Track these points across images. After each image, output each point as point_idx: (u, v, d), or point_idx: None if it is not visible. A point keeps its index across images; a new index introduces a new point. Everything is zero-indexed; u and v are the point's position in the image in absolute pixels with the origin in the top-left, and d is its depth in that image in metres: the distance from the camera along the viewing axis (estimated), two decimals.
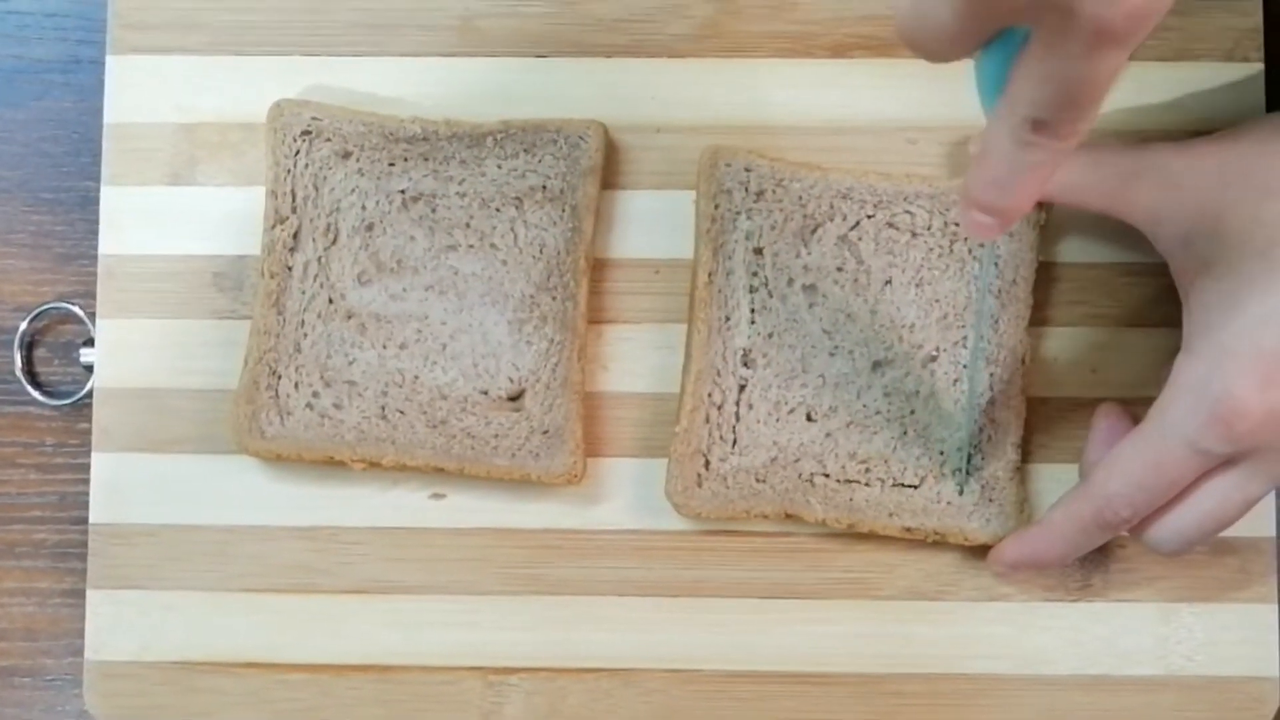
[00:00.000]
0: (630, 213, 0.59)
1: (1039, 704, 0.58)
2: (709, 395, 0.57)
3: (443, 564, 0.58)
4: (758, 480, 0.56)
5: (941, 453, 0.57)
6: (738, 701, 0.58)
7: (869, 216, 0.57)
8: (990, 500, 0.57)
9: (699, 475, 0.56)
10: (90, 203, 0.61)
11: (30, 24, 0.62)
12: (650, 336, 0.58)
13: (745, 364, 0.57)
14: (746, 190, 0.57)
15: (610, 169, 0.58)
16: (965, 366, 0.57)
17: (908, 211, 0.57)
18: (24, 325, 0.61)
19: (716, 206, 0.57)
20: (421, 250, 0.58)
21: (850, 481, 0.57)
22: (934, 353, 0.57)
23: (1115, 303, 0.58)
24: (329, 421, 0.57)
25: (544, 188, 0.58)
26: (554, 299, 0.57)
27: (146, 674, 0.58)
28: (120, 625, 0.58)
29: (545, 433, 0.57)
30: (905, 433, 0.57)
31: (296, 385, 0.57)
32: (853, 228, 0.57)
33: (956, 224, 0.57)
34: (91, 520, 0.58)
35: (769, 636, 0.58)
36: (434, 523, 0.58)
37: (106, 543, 0.58)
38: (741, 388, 0.57)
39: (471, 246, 0.58)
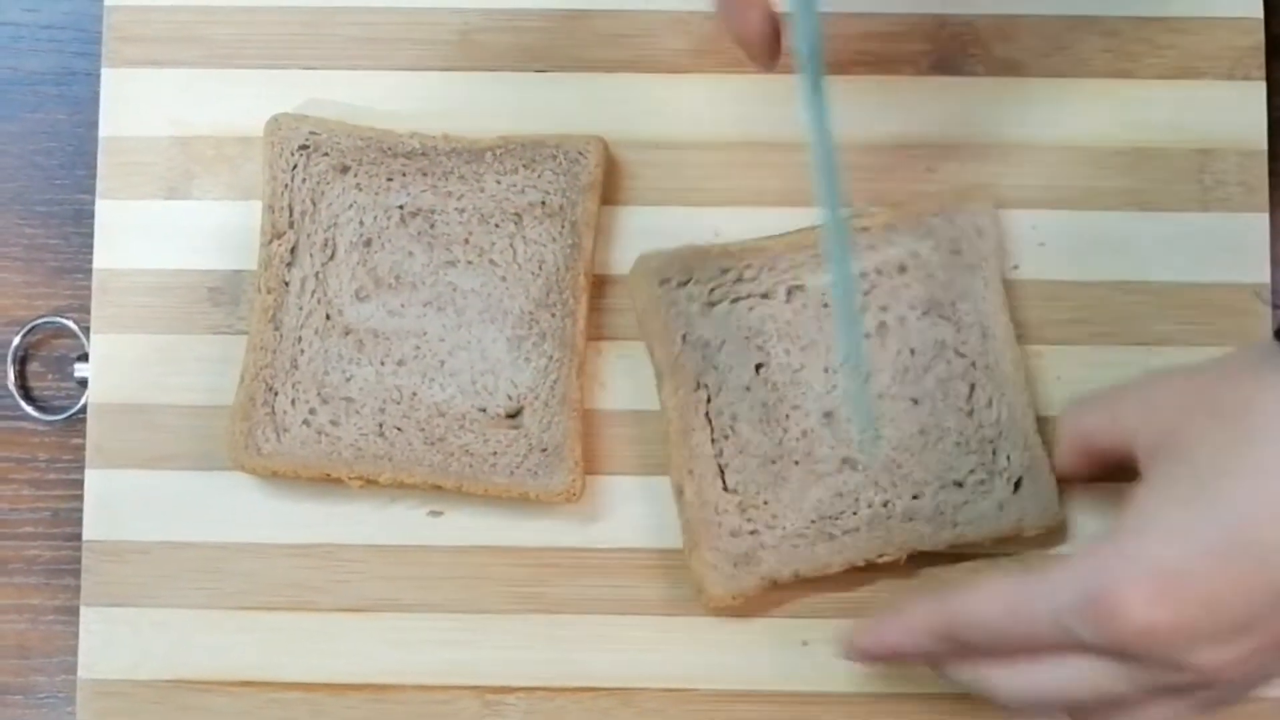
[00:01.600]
0: (630, 229, 0.59)
1: None
2: (699, 494, 0.56)
3: (440, 582, 0.57)
4: (767, 548, 0.56)
5: (950, 466, 0.57)
6: None
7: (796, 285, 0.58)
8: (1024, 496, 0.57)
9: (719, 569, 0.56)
10: (85, 216, 0.60)
11: (25, 36, 0.62)
12: (648, 355, 0.58)
13: (721, 465, 0.57)
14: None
15: (610, 185, 0.58)
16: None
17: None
18: (17, 340, 0.60)
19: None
20: (420, 266, 0.57)
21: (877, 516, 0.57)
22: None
23: (1116, 320, 0.58)
24: (326, 438, 0.57)
25: (543, 203, 0.57)
26: (553, 315, 0.57)
27: (140, 692, 0.57)
28: (114, 643, 0.57)
29: (544, 450, 0.56)
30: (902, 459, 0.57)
31: (293, 401, 0.57)
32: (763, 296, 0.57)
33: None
34: (85, 537, 0.58)
35: (769, 655, 0.57)
36: (431, 540, 0.58)
37: (100, 559, 0.58)
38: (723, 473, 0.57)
39: (470, 262, 0.57)
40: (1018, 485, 0.57)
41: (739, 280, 0.57)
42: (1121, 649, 0.46)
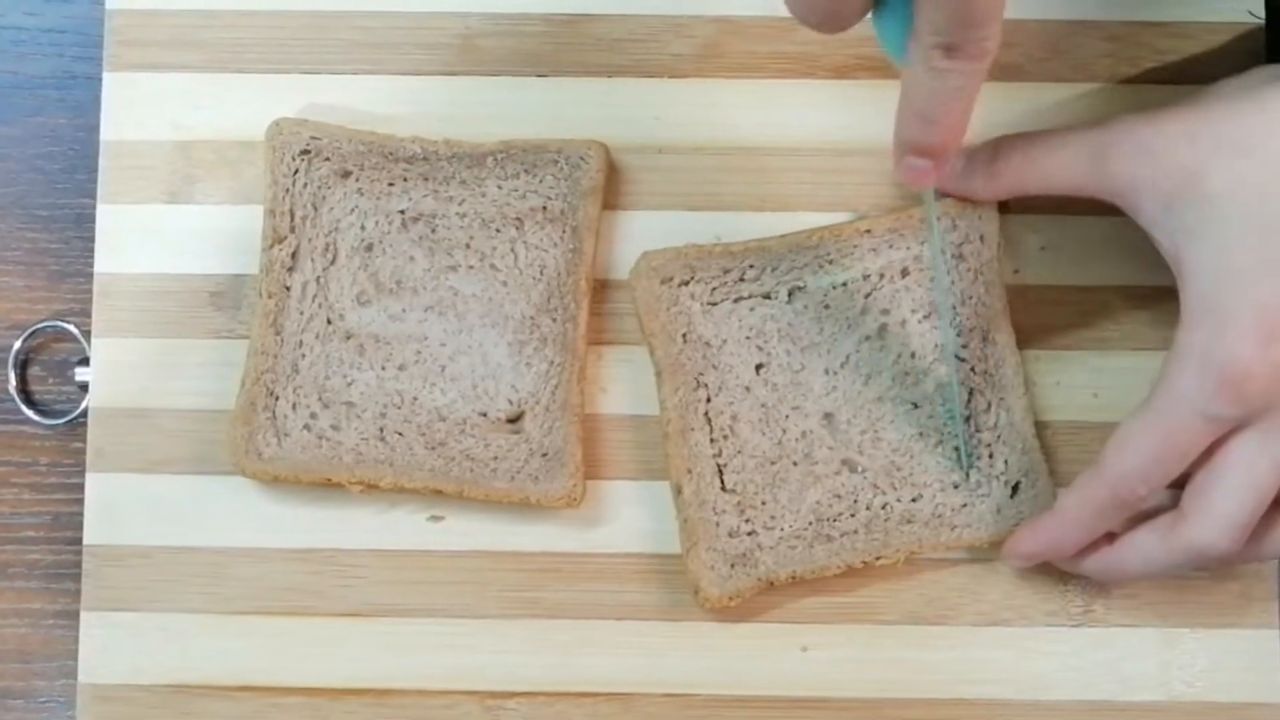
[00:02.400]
0: (631, 234, 0.58)
1: None
2: (697, 494, 0.56)
3: (441, 587, 0.57)
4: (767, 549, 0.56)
5: (938, 463, 0.57)
6: None
7: (799, 287, 0.58)
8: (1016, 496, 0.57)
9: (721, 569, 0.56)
10: (86, 220, 0.60)
11: (26, 40, 0.62)
12: (650, 360, 0.58)
13: (720, 467, 0.57)
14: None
15: (611, 190, 0.58)
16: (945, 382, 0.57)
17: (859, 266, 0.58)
18: (18, 344, 0.60)
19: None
20: (421, 271, 0.57)
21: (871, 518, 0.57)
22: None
23: (1117, 326, 0.58)
24: (327, 443, 0.57)
25: (545, 208, 0.57)
26: (554, 320, 0.57)
27: (140, 696, 0.57)
28: (114, 647, 0.57)
29: (545, 455, 0.56)
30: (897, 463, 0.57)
31: (294, 406, 0.57)
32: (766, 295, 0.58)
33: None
34: (85, 541, 0.58)
35: (769, 661, 0.57)
36: (432, 545, 0.58)
37: (101, 564, 0.58)
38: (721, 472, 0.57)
39: (471, 267, 0.57)
40: (1015, 489, 0.57)
41: (741, 280, 0.57)
42: (1267, 400, 0.47)
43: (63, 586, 0.60)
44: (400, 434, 0.57)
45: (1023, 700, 0.57)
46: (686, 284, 0.57)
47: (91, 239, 0.59)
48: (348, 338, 0.57)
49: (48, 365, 0.61)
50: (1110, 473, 0.52)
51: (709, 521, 0.56)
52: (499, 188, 0.57)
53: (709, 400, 0.57)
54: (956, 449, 0.56)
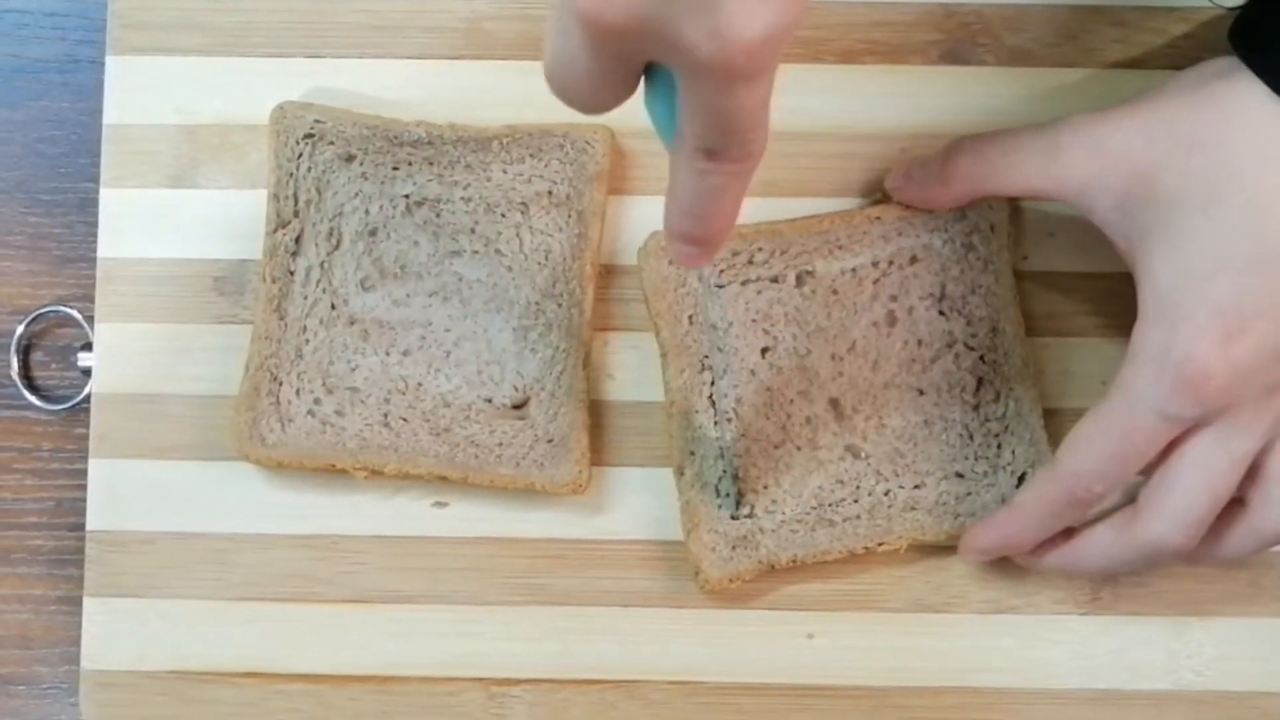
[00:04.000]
0: (637, 219, 0.58)
1: (1046, 717, 0.57)
2: (699, 476, 0.56)
3: (445, 573, 0.57)
4: (766, 532, 0.56)
5: (944, 450, 0.57)
6: (742, 714, 0.57)
7: (808, 271, 0.57)
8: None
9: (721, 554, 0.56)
10: (89, 205, 0.60)
11: (29, 23, 0.61)
12: (656, 344, 0.58)
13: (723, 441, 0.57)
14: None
15: (617, 174, 0.58)
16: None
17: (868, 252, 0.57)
18: (21, 329, 0.60)
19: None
20: (425, 256, 0.57)
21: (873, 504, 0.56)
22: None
23: (1126, 313, 0.58)
24: (331, 429, 0.56)
25: (550, 193, 0.57)
26: (559, 306, 0.57)
27: (143, 683, 0.57)
28: (117, 633, 0.57)
29: (550, 441, 0.56)
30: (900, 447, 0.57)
31: (298, 392, 0.56)
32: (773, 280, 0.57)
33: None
34: (88, 527, 0.58)
35: (774, 648, 0.57)
36: (436, 532, 0.57)
37: (103, 550, 0.58)
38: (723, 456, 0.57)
39: (476, 252, 0.57)
40: (1021, 480, 0.56)
41: (749, 263, 0.57)
42: (1227, 399, 0.47)
43: (65, 572, 0.60)
44: (405, 420, 0.56)
45: (1029, 689, 0.57)
46: None
47: (94, 223, 0.59)
48: (352, 323, 0.57)
49: (50, 350, 0.61)
50: (1066, 471, 0.51)
51: (710, 504, 0.56)
52: (504, 172, 0.57)
53: (713, 383, 0.57)
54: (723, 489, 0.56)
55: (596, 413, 0.57)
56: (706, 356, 0.57)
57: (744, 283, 0.57)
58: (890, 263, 0.57)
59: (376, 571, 0.57)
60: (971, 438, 0.57)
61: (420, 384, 0.56)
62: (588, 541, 0.57)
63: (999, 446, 0.57)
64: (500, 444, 0.56)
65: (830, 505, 0.56)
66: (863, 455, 0.57)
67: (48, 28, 0.62)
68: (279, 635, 0.57)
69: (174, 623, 0.57)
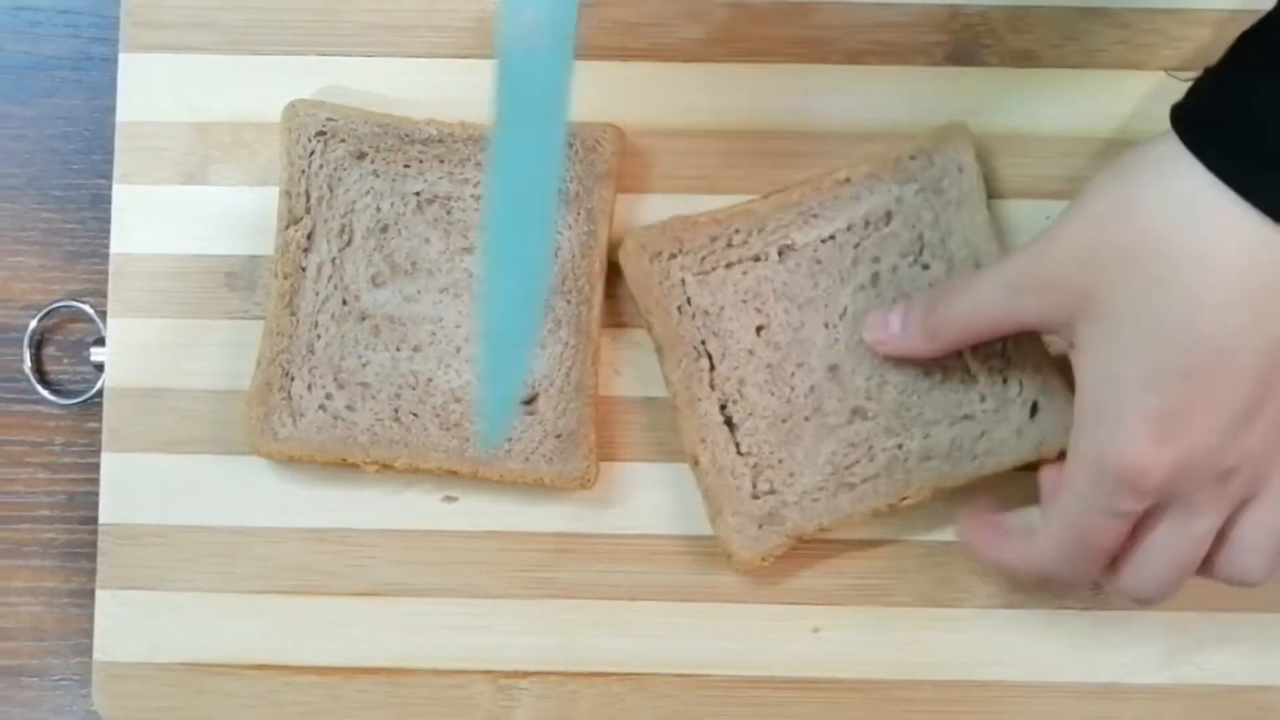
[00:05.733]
0: (646, 217, 0.58)
1: (1048, 711, 0.58)
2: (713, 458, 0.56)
3: (454, 567, 0.58)
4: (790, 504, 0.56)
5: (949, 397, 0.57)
6: (749, 707, 0.58)
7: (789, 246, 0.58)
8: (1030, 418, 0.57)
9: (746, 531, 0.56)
10: (101, 201, 0.60)
11: (42, 21, 0.62)
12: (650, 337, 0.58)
13: (728, 422, 0.57)
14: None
15: (626, 173, 0.58)
16: None
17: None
18: (34, 323, 0.61)
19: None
20: (436, 252, 0.58)
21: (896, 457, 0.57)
22: None
23: None
24: (342, 423, 0.57)
25: (560, 191, 0.57)
26: (568, 303, 0.57)
27: (155, 675, 0.58)
28: (129, 626, 0.58)
29: (559, 437, 0.57)
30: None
31: (309, 387, 0.57)
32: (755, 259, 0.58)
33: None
34: (101, 520, 0.58)
35: (781, 642, 0.58)
36: (446, 526, 0.58)
37: (116, 543, 0.58)
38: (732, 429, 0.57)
39: None
40: (1034, 409, 0.56)
41: (729, 246, 0.58)
42: (1173, 490, 0.48)
43: (77, 565, 0.60)
44: (415, 415, 0.57)
45: (1031, 683, 0.58)
46: (675, 256, 0.57)
47: (107, 219, 0.59)
48: (363, 319, 0.57)
49: (63, 345, 0.61)
50: (1036, 564, 0.52)
51: (730, 487, 0.56)
52: None
53: (712, 369, 0.57)
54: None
55: (604, 408, 0.58)
56: (703, 342, 0.57)
57: (728, 265, 0.58)
58: (866, 224, 0.58)
59: (386, 565, 0.58)
60: (975, 379, 0.57)
61: (431, 379, 0.57)
62: (596, 536, 0.58)
63: (1004, 381, 0.57)
64: (510, 439, 0.57)
65: (847, 468, 0.56)
66: (870, 415, 0.57)
67: (61, 25, 0.62)
68: (289, 628, 0.58)
69: (186, 615, 0.58)
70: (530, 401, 0.57)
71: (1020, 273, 0.51)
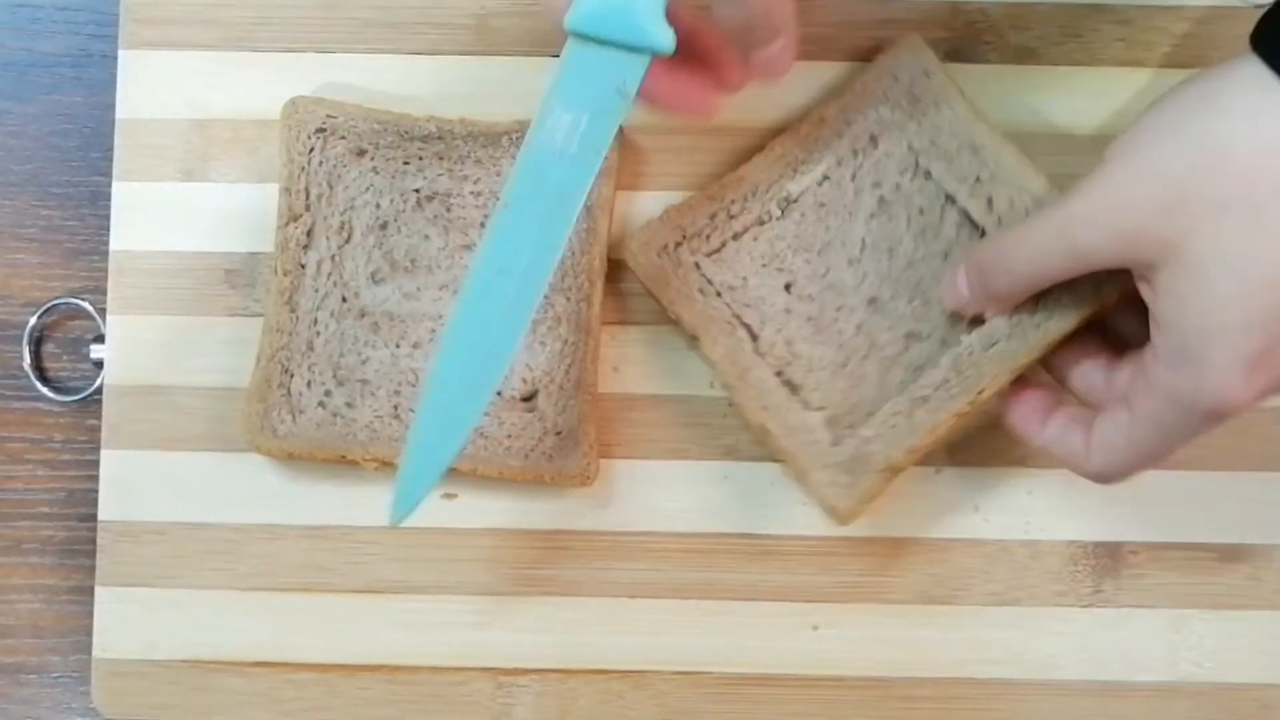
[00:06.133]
0: (645, 214, 0.58)
1: (1048, 709, 0.58)
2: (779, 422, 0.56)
3: (454, 564, 0.58)
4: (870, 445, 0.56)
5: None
6: (748, 704, 0.58)
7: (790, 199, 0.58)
8: None
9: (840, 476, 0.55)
10: (101, 198, 0.60)
11: (42, 17, 0.62)
12: (664, 339, 0.58)
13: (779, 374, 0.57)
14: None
15: (626, 170, 0.58)
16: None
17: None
18: (33, 320, 0.61)
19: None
20: (436, 250, 0.57)
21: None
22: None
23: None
24: (341, 420, 0.57)
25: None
26: (568, 300, 0.57)
27: (155, 672, 0.58)
28: (128, 623, 0.58)
29: (558, 434, 0.57)
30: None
31: (309, 383, 0.57)
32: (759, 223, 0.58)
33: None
34: (100, 517, 0.58)
35: (780, 639, 0.58)
36: (445, 523, 0.58)
37: (115, 540, 0.58)
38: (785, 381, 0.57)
39: None
40: None
41: (730, 218, 0.57)
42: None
43: (76, 562, 0.60)
44: (414, 411, 0.57)
45: (1031, 680, 0.58)
46: (681, 244, 0.57)
47: (107, 216, 0.59)
48: (362, 315, 0.57)
49: (62, 342, 0.61)
50: (1097, 476, 0.52)
51: (807, 444, 0.56)
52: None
53: (755, 339, 0.57)
54: None
55: (604, 406, 0.58)
56: (737, 316, 0.57)
57: (735, 237, 0.57)
58: (855, 154, 0.58)
59: (386, 562, 0.58)
60: None
61: None
62: (595, 533, 0.58)
63: None
64: (509, 436, 0.57)
65: (915, 385, 0.56)
66: (924, 335, 0.56)
67: (60, 22, 0.62)
68: (289, 625, 0.58)
69: (185, 612, 0.58)
70: (530, 398, 0.57)
71: (1088, 226, 0.49)
